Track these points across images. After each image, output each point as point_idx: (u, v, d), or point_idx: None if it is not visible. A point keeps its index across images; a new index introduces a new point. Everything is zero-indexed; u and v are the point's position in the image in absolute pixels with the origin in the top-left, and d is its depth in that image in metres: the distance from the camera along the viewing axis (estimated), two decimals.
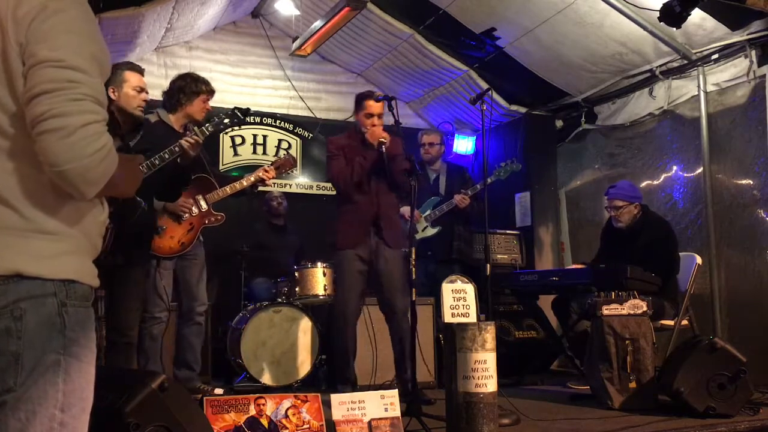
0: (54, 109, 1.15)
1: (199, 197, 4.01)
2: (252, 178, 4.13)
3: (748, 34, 4.50)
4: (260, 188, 6.22)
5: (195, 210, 3.98)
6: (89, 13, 1.29)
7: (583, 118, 5.99)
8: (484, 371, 2.96)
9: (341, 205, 4.20)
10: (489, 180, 5.37)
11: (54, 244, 1.24)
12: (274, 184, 6.28)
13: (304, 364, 4.61)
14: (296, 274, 4.83)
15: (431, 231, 5.35)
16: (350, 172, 4.02)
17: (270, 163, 4.33)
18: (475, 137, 6.93)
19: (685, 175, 5.15)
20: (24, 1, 1.21)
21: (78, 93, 1.18)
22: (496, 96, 6.12)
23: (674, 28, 4.09)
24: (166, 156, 3.47)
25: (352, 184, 4.03)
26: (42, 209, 1.23)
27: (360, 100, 4.14)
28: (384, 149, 3.91)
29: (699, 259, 4.47)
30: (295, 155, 6.47)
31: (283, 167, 4.34)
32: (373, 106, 4.05)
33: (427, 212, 5.30)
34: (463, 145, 6.95)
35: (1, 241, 1.21)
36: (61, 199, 1.25)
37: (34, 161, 1.20)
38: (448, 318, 3.11)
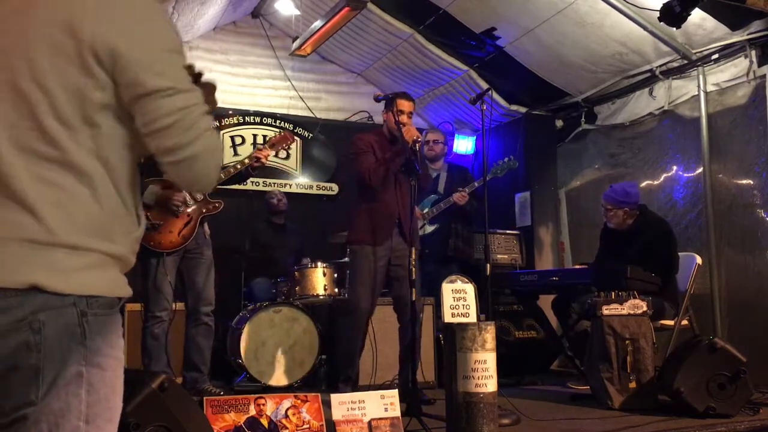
0: (179, 142, 1.23)
1: None
2: (246, 161, 4.04)
3: (748, 34, 4.50)
4: (262, 188, 6.22)
5: (190, 200, 3.91)
6: (162, 11, 1.28)
7: (583, 118, 5.99)
8: (484, 371, 2.96)
9: (363, 202, 4.17)
10: (489, 177, 5.41)
11: (76, 258, 1.20)
12: (274, 184, 6.31)
13: (304, 364, 4.61)
14: (296, 274, 4.83)
15: (429, 228, 5.36)
16: (384, 167, 4.03)
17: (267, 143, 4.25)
18: (475, 137, 6.93)
19: (685, 175, 5.15)
20: (105, 13, 1.19)
21: (193, 117, 1.24)
22: (496, 96, 6.12)
23: (674, 28, 4.09)
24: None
25: (383, 180, 4.05)
26: (69, 222, 1.20)
27: (391, 99, 4.13)
28: (417, 147, 3.94)
29: (699, 259, 4.47)
30: (294, 153, 6.51)
31: (279, 144, 4.27)
32: (405, 105, 4.07)
33: (426, 210, 5.31)
34: (463, 145, 6.95)
35: (21, 253, 1.17)
36: (91, 213, 1.22)
37: (76, 174, 1.19)
38: (448, 318, 3.12)
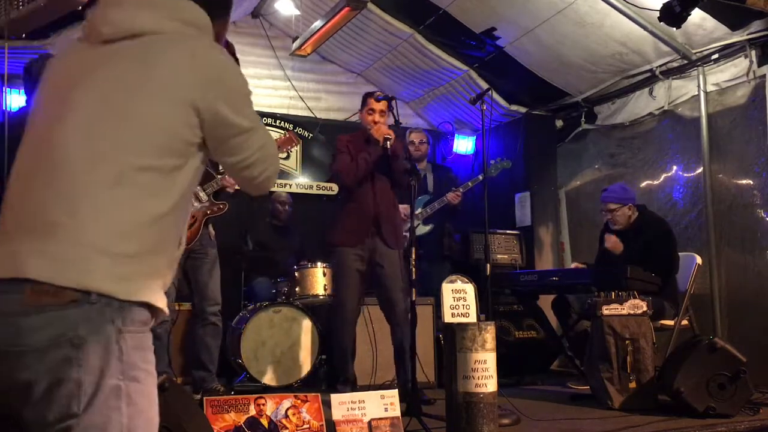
0: (262, 171, 1.52)
1: (198, 189, 3.96)
2: None
3: (748, 34, 4.50)
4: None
5: (195, 203, 3.93)
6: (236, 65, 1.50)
7: (583, 118, 5.99)
8: (484, 371, 2.96)
9: (343, 204, 4.23)
10: (481, 177, 5.47)
11: (129, 267, 1.29)
12: (276, 184, 6.31)
13: (304, 364, 4.61)
14: (296, 274, 4.83)
15: (424, 229, 5.38)
16: (355, 167, 4.05)
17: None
18: (475, 137, 6.93)
19: (685, 175, 5.15)
20: (200, 64, 1.38)
21: (268, 149, 1.52)
22: (496, 96, 6.12)
23: (674, 28, 4.09)
24: None
25: (356, 180, 4.06)
26: (125, 235, 1.30)
27: (364, 98, 4.19)
28: (389, 146, 3.94)
29: (699, 259, 4.47)
30: (294, 153, 6.50)
31: (285, 145, 4.31)
32: (375, 104, 4.09)
33: (419, 210, 5.33)
34: (463, 145, 6.95)
35: (76, 256, 1.25)
36: (143, 228, 1.32)
37: (144, 193, 1.32)
38: (448, 318, 3.12)
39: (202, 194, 3.98)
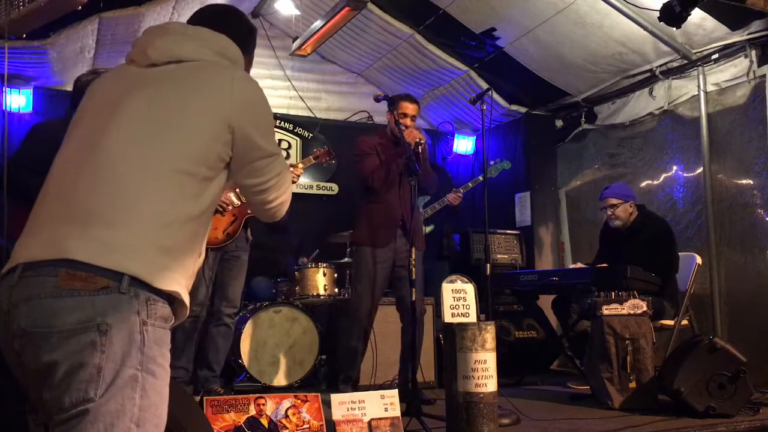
0: (277, 195, 1.68)
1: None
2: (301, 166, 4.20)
3: (748, 34, 4.50)
4: None
5: (236, 201, 4.04)
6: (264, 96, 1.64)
7: (583, 118, 5.98)
8: (484, 371, 2.96)
9: (367, 204, 4.18)
10: (481, 178, 5.48)
11: (164, 258, 1.39)
12: None
13: (304, 364, 4.61)
14: (296, 274, 4.83)
15: (426, 230, 5.38)
16: (386, 169, 4.03)
17: (309, 154, 4.38)
18: (475, 137, 6.93)
19: (685, 175, 5.14)
20: (237, 90, 1.54)
21: (285, 175, 1.69)
22: (496, 96, 6.12)
23: (674, 28, 4.09)
24: None
25: (386, 182, 4.05)
26: (165, 227, 1.40)
27: (395, 100, 4.12)
28: (420, 150, 3.93)
29: (699, 259, 4.47)
30: (294, 153, 6.51)
31: (322, 158, 4.40)
32: (408, 107, 4.07)
33: (421, 211, 5.33)
34: (463, 145, 6.96)
35: (120, 241, 1.33)
36: (179, 225, 1.43)
37: (178, 200, 1.44)
38: (448, 318, 3.12)
39: None
